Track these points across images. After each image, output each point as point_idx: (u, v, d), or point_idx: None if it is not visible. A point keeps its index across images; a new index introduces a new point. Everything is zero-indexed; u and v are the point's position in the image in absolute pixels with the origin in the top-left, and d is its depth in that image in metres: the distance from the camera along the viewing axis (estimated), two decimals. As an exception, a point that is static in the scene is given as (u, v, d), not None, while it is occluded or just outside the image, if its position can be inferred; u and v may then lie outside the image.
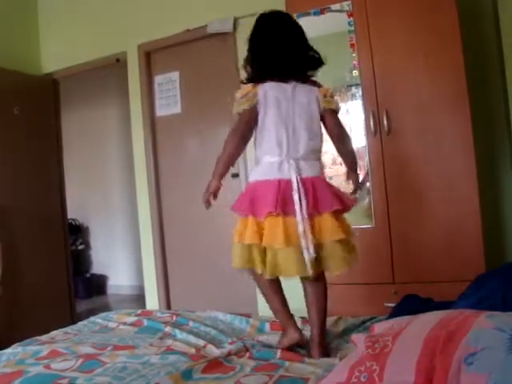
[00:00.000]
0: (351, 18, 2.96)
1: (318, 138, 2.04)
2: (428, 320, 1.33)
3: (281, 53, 2.01)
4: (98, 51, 4.44)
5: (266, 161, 2.00)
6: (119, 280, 6.37)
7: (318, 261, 1.94)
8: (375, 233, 2.91)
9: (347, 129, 3.02)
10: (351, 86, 3.03)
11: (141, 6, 4.25)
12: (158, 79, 4.26)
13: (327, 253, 1.95)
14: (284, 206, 1.88)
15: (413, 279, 2.79)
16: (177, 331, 2.30)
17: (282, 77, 2.01)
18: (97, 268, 6.57)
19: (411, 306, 2.11)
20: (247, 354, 1.91)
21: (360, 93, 2.97)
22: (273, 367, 1.75)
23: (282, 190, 1.91)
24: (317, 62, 2.10)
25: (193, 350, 2.00)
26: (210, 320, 2.45)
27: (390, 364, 1.21)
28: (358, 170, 2.24)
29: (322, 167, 2.07)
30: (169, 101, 4.18)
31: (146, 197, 4.28)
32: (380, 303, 2.73)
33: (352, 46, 2.96)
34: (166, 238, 4.26)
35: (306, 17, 3.07)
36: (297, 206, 1.88)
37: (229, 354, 1.91)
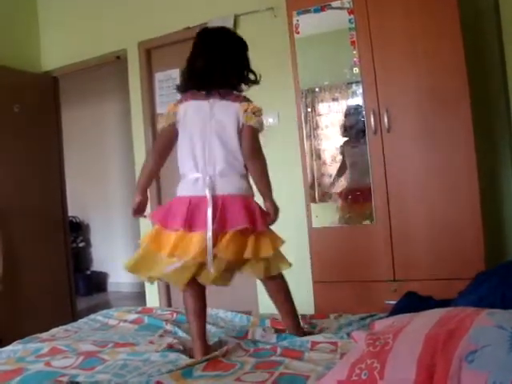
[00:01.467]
0: (352, 15, 2.95)
1: (238, 153, 2.00)
2: (429, 318, 1.33)
3: (203, 69, 2.03)
4: (98, 49, 4.44)
5: (186, 177, 2.05)
6: (120, 277, 6.37)
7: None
8: (375, 230, 2.91)
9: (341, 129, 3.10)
10: (351, 83, 3.03)
11: (141, 3, 4.25)
12: (159, 76, 4.25)
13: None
14: (191, 223, 1.93)
15: (413, 277, 2.79)
16: (177, 329, 2.31)
17: (200, 92, 2.04)
18: (97, 265, 6.58)
19: (412, 303, 2.11)
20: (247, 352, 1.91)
21: (360, 90, 2.96)
22: (273, 364, 1.75)
23: (192, 206, 1.95)
24: (242, 80, 2.10)
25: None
26: (211, 317, 2.45)
27: (391, 361, 1.21)
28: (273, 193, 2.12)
29: (245, 184, 2.04)
30: (169, 98, 4.17)
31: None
32: (380, 301, 2.73)
33: (352, 43, 2.95)
34: (166, 236, 4.25)
35: (307, 14, 3.07)
36: (208, 222, 1.91)
37: (226, 351, 1.91)
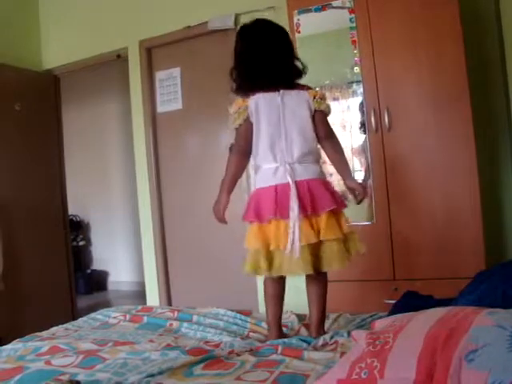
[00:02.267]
0: (352, 15, 2.95)
1: (313, 141, 2.06)
2: (429, 317, 1.33)
3: (267, 65, 2.04)
4: (98, 47, 4.43)
5: (264, 168, 2.07)
6: (120, 276, 6.39)
7: (317, 259, 2.00)
8: (376, 229, 2.91)
9: (341, 128, 3.08)
10: (352, 82, 3.03)
11: (142, 2, 4.25)
12: (159, 75, 4.25)
13: (323, 251, 2.00)
14: (282, 210, 1.95)
15: (413, 276, 2.80)
16: (178, 327, 2.31)
17: (269, 87, 2.05)
18: (97, 264, 6.58)
19: (412, 302, 2.10)
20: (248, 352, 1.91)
21: (361, 90, 2.96)
22: (273, 363, 1.75)
23: (279, 194, 1.98)
24: (300, 71, 2.12)
25: (194, 346, 2.00)
26: (212, 316, 2.45)
27: (391, 361, 1.21)
28: (353, 171, 2.23)
29: (320, 169, 2.09)
30: (170, 97, 4.17)
31: (147, 193, 4.28)
32: (380, 300, 2.74)
33: (353, 42, 2.96)
34: (166, 234, 4.26)
35: (307, 13, 3.07)
36: (290, 209, 1.94)
37: (231, 352, 1.91)
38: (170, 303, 4.17)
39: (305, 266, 1.95)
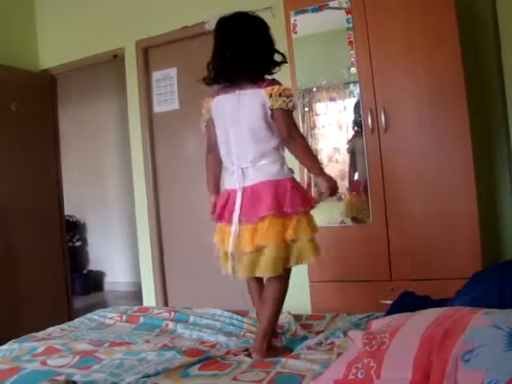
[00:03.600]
0: (349, 15, 2.95)
1: (268, 141, 1.99)
2: (425, 317, 1.33)
3: (226, 59, 2.01)
4: (95, 47, 4.42)
5: (226, 171, 2.09)
6: (116, 277, 6.38)
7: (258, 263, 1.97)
8: (372, 229, 2.91)
9: (338, 128, 3.09)
10: (349, 83, 3.03)
11: (139, 2, 4.24)
12: (156, 75, 4.25)
13: (261, 257, 1.95)
14: (229, 216, 2.00)
15: (410, 276, 2.79)
16: (175, 328, 2.31)
17: (228, 85, 2.03)
18: (94, 264, 6.57)
19: (408, 303, 2.10)
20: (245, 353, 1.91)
21: (358, 90, 2.96)
22: (269, 364, 1.75)
23: (230, 200, 2.01)
24: (270, 65, 2.06)
25: (191, 346, 2.00)
26: (208, 317, 2.45)
27: (388, 361, 1.22)
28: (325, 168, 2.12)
29: (279, 169, 1.99)
30: (166, 97, 4.17)
31: (144, 193, 4.27)
32: (377, 300, 2.73)
33: (350, 43, 2.95)
34: (163, 235, 4.26)
35: (304, 14, 3.07)
36: (234, 214, 1.96)
37: (228, 352, 1.91)
38: (166, 304, 4.17)
39: (244, 270, 1.98)
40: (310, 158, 2.07)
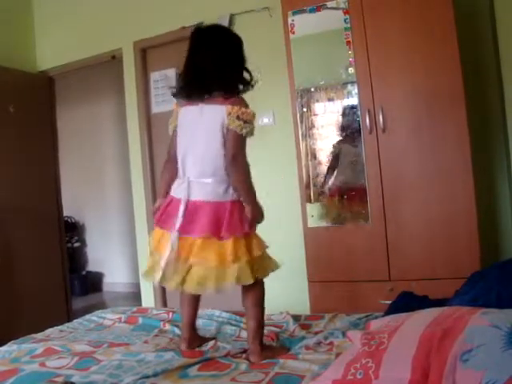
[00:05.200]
0: (347, 15, 2.95)
1: (219, 159, 1.95)
2: (424, 317, 1.33)
3: (194, 72, 2.00)
4: (93, 48, 4.42)
5: (177, 179, 2.06)
6: (115, 277, 6.37)
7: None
8: (371, 230, 2.91)
9: (335, 128, 3.09)
10: (347, 83, 3.02)
11: (136, 3, 4.24)
12: (154, 76, 4.25)
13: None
14: (165, 221, 1.99)
15: (409, 277, 2.80)
16: (173, 328, 2.30)
17: (193, 98, 2.01)
18: (92, 265, 6.57)
19: (407, 303, 2.11)
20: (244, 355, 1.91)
21: (356, 90, 2.96)
22: (268, 365, 1.75)
23: (170, 206, 1.99)
24: (237, 84, 2.02)
25: (182, 349, 2.01)
26: (206, 317, 2.44)
27: (386, 361, 1.22)
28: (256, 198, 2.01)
29: (224, 189, 1.95)
30: (165, 97, 4.16)
31: (142, 194, 4.27)
32: (376, 300, 2.73)
33: (348, 43, 2.96)
34: (161, 236, 4.25)
35: (302, 14, 3.07)
36: (177, 223, 1.92)
37: (227, 354, 1.91)
38: (165, 304, 4.16)
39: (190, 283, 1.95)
40: (245, 187, 1.99)
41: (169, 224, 1.96)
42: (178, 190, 2.00)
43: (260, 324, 1.98)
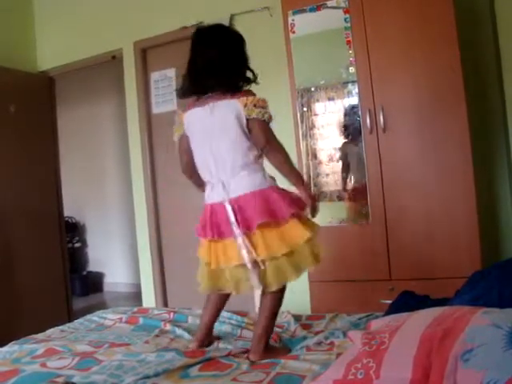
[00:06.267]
0: (347, 15, 2.95)
1: (247, 152, 1.95)
2: (425, 317, 1.33)
3: (199, 71, 1.99)
4: (93, 48, 4.43)
5: (207, 185, 2.05)
6: (116, 278, 6.37)
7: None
8: (372, 229, 2.91)
9: (336, 128, 3.09)
10: (347, 82, 3.02)
11: (137, 2, 4.24)
12: (154, 76, 4.25)
13: (264, 269, 1.92)
14: (219, 230, 1.95)
15: (409, 276, 2.80)
16: (174, 328, 2.30)
17: (198, 95, 2.01)
18: (93, 266, 6.57)
19: (408, 302, 2.11)
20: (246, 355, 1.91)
21: (356, 90, 2.96)
22: (269, 365, 1.75)
23: (215, 213, 1.97)
24: (241, 82, 2.03)
25: (190, 348, 2.01)
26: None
27: (387, 361, 1.21)
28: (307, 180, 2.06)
29: (261, 178, 1.96)
30: (165, 98, 4.17)
31: (143, 194, 4.27)
32: (376, 300, 2.73)
33: (348, 42, 2.96)
34: (162, 236, 4.26)
35: (302, 13, 3.07)
36: (234, 227, 1.90)
37: (229, 354, 1.91)
38: (166, 304, 4.17)
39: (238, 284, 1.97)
40: (289, 169, 2.00)
41: (217, 232, 1.95)
42: (212, 195, 1.99)
43: (270, 325, 1.99)
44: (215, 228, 1.95)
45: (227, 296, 2.14)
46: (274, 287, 1.93)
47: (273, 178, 2.00)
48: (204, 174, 2.04)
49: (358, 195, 3.03)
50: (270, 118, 1.97)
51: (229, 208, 1.90)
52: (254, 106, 1.93)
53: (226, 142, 1.95)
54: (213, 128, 1.96)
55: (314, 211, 2.01)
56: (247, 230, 1.89)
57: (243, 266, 1.91)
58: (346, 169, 3.11)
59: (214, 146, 1.97)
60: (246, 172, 1.95)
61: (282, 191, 1.97)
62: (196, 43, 2.05)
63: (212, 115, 1.96)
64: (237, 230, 1.89)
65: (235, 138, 1.94)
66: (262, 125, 1.94)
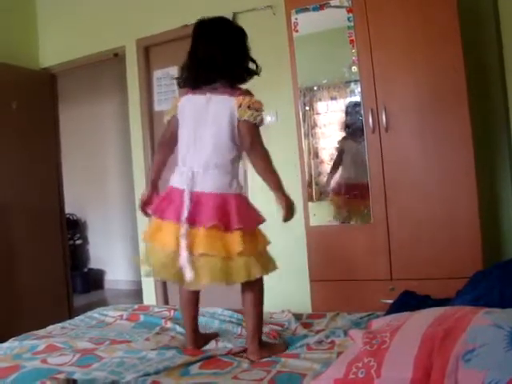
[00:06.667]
0: (350, 14, 2.94)
1: (227, 151, 1.96)
2: (426, 316, 1.33)
3: (200, 62, 1.99)
4: (96, 46, 4.42)
5: (177, 168, 2.03)
6: (117, 275, 6.38)
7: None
8: (373, 229, 2.91)
9: (338, 127, 3.09)
10: (350, 82, 3.02)
11: (139, 0, 4.24)
12: (157, 74, 4.25)
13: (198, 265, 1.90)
14: (165, 211, 1.96)
15: (410, 276, 2.79)
16: (175, 326, 2.31)
17: (196, 87, 2.01)
18: (94, 263, 6.57)
19: (409, 302, 2.11)
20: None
21: (359, 89, 2.96)
22: (270, 363, 1.76)
23: (174, 198, 1.96)
24: (244, 74, 2.03)
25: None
26: (209, 316, 2.44)
27: (388, 360, 1.21)
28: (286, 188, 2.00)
29: (229, 181, 1.95)
30: (167, 96, 4.16)
31: (144, 191, 4.26)
32: (377, 299, 2.73)
33: (351, 41, 2.95)
34: (163, 234, 4.25)
35: (306, 12, 3.06)
36: (183, 215, 1.88)
37: (229, 352, 1.91)
38: (166, 302, 4.17)
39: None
40: (270, 176, 2.00)
41: (169, 215, 1.94)
42: (178, 180, 1.98)
43: (259, 324, 1.98)
44: (164, 208, 1.97)
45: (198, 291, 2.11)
46: (206, 281, 1.91)
47: (241, 187, 2.00)
48: (181, 159, 2.02)
49: (358, 194, 3.03)
50: (262, 121, 1.96)
51: (187, 197, 1.90)
52: (248, 107, 1.92)
53: (212, 135, 1.95)
54: (204, 118, 1.97)
55: (288, 215, 1.99)
56: (194, 225, 1.88)
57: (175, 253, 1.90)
58: (337, 165, 3.11)
59: (200, 135, 1.97)
60: (217, 171, 1.95)
61: (243, 202, 1.97)
62: (198, 36, 2.07)
63: (207, 106, 1.97)
64: (184, 217, 1.87)
65: (220, 135, 1.95)
66: (251, 127, 1.95)
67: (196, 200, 1.91)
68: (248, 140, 1.95)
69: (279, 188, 2.00)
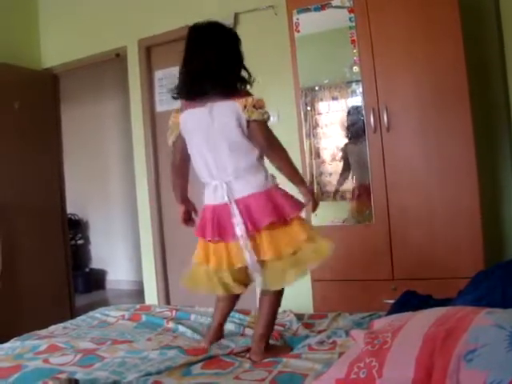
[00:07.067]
0: (352, 14, 2.94)
1: (249, 153, 1.95)
2: (428, 316, 1.33)
3: (195, 72, 1.96)
4: (97, 46, 4.43)
5: (207, 185, 2.03)
6: (118, 275, 6.38)
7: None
8: (375, 229, 2.91)
9: (340, 127, 3.09)
10: (351, 82, 3.02)
11: (141, 0, 4.24)
12: (159, 74, 4.25)
13: (266, 269, 1.93)
14: (221, 232, 1.94)
15: (412, 276, 2.79)
16: (177, 326, 2.31)
17: (195, 99, 1.98)
18: (96, 263, 6.57)
19: (411, 302, 2.10)
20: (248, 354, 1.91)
21: (360, 89, 2.96)
22: (271, 363, 1.75)
23: (217, 214, 1.95)
24: (237, 82, 2.00)
25: (193, 346, 2.01)
26: (209, 315, 2.44)
27: (390, 360, 1.21)
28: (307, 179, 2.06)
29: (264, 178, 1.96)
30: (168, 96, 4.13)
31: (146, 192, 4.28)
32: (379, 299, 2.73)
33: (353, 41, 2.95)
34: (165, 233, 4.26)
35: (307, 13, 3.06)
36: (237, 229, 1.89)
37: (231, 352, 1.91)
38: (168, 302, 4.17)
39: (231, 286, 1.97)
40: (290, 169, 2.02)
41: (219, 233, 1.94)
42: (215, 196, 1.96)
43: (270, 324, 1.99)
44: (216, 229, 1.94)
45: (237, 296, 2.14)
46: (276, 287, 1.94)
47: (273, 177, 2.01)
48: (203, 176, 2.01)
49: (360, 195, 3.03)
50: (269, 117, 1.98)
51: (235, 208, 1.89)
52: (254, 107, 1.92)
53: (227, 144, 1.93)
54: (211, 129, 1.94)
55: (315, 207, 2.04)
56: (255, 230, 1.89)
57: (245, 268, 1.93)
58: (346, 169, 3.11)
59: (213, 147, 1.95)
60: (249, 173, 1.94)
61: (284, 191, 1.98)
62: (192, 43, 2.04)
63: (210, 116, 1.94)
64: (240, 232, 1.88)
65: (236, 139, 1.93)
66: (263, 126, 1.96)
67: (242, 207, 1.90)
68: (262, 138, 1.95)
69: (302, 181, 2.04)
